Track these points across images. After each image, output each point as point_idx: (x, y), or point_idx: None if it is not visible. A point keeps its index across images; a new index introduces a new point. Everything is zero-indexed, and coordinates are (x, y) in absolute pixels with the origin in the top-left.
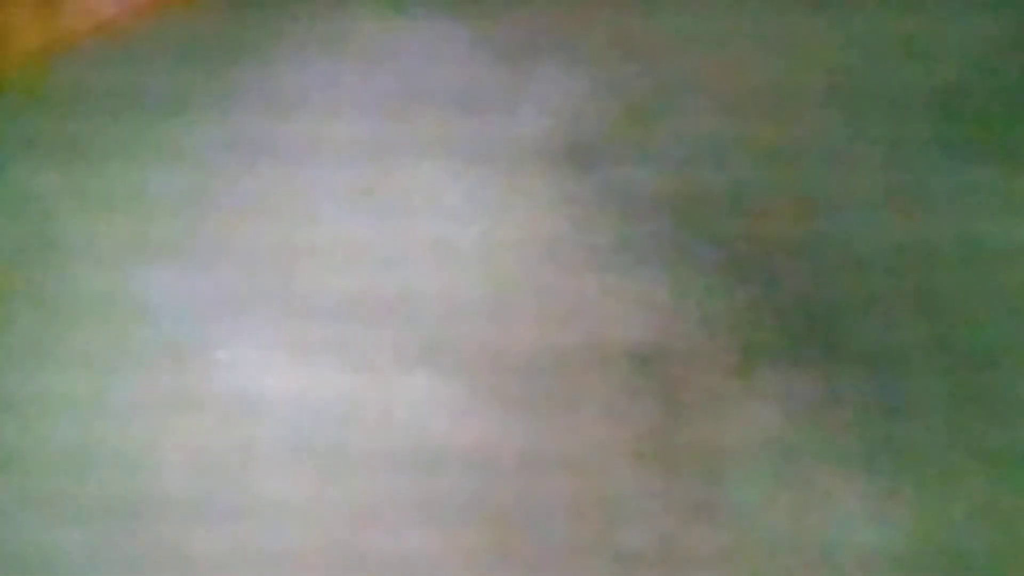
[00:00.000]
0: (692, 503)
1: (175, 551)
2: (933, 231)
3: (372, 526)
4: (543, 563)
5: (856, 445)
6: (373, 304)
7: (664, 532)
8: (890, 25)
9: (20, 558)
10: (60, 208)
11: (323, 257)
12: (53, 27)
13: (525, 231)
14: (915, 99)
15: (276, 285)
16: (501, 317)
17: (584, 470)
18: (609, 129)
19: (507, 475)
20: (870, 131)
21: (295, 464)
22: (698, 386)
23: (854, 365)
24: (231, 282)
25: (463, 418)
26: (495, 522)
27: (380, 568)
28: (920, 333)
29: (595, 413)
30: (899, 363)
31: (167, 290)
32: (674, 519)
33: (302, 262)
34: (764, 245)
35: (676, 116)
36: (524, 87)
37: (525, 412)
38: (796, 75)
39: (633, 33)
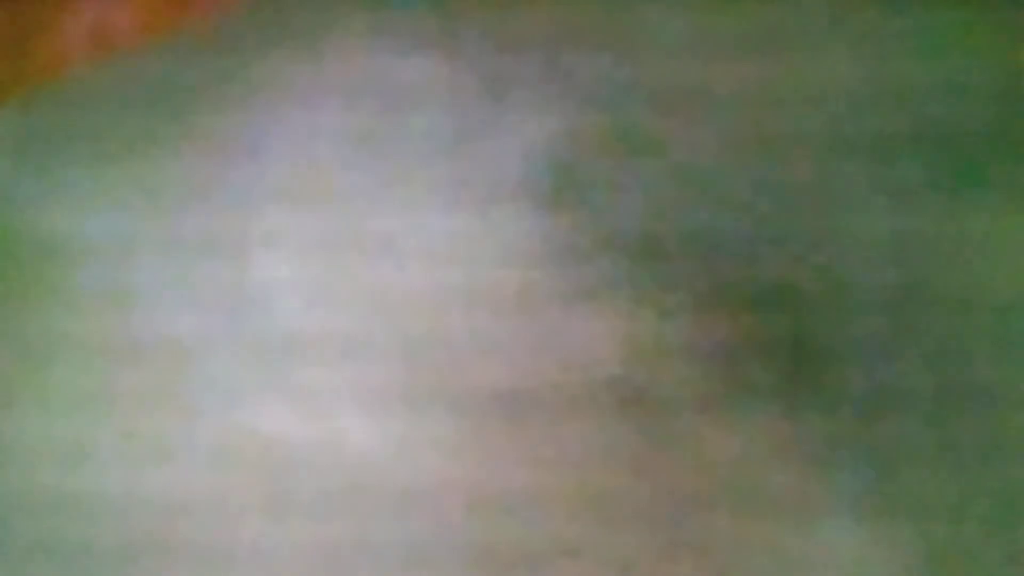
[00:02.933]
0: (674, 543)
1: None
2: (928, 268)
3: (355, 570)
4: None
5: (848, 485)
6: (348, 344)
7: (646, 573)
8: (886, 61)
9: None
10: (25, 249)
11: (298, 298)
12: (21, 69)
13: (504, 269)
14: (908, 138)
15: (252, 326)
16: (480, 355)
17: (564, 508)
18: (592, 165)
19: (487, 513)
20: (862, 170)
21: (274, 507)
22: (681, 425)
23: (845, 405)
24: (207, 321)
25: (443, 457)
26: (478, 561)
27: None
28: (914, 374)
29: (574, 452)
30: (892, 404)
31: (142, 332)
32: (655, 559)
33: (277, 303)
34: (752, 282)
35: (660, 153)
36: (503, 124)
37: (504, 450)
38: (785, 115)
39: (617, 69)
